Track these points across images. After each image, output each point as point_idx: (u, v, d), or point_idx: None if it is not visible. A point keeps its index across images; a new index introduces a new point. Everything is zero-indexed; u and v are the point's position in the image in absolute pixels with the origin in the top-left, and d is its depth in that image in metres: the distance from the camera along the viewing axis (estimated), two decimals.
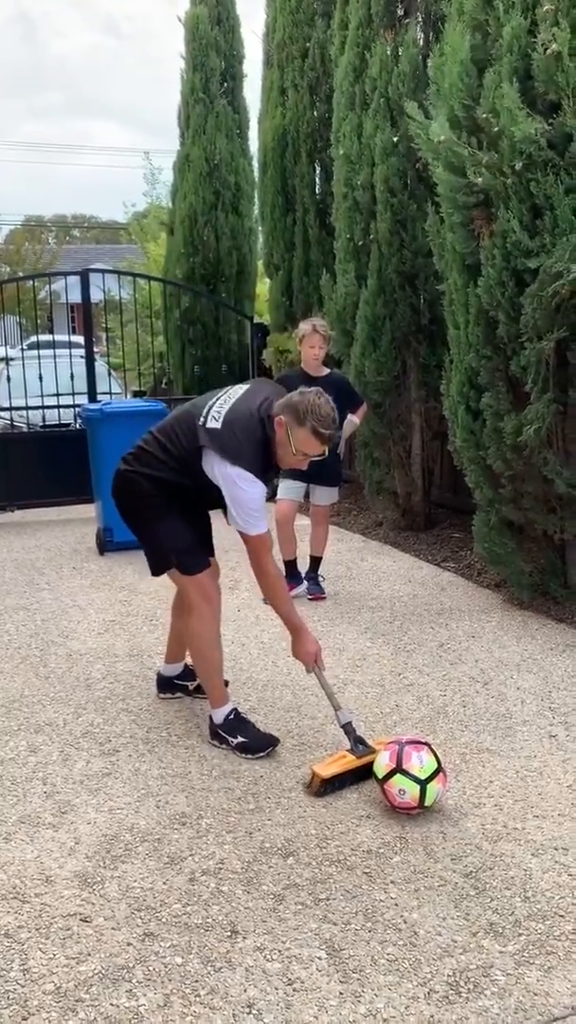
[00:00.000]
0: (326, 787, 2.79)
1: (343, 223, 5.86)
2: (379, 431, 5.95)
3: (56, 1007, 1.93)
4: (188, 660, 3.56)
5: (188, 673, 3.57)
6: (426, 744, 2.72)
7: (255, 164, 8.79)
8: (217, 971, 2.04)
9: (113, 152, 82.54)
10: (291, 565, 4.82)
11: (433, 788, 2.62)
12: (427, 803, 2.62)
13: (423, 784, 2.60)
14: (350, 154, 5.67)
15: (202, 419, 2.98)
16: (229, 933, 2.17)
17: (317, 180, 7.27)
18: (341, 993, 1.97)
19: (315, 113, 7.14)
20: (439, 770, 2.65)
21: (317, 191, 7.27)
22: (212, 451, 2.93)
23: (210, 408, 3.01)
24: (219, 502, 3.05)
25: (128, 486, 3.12)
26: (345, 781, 2.83)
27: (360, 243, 5.74)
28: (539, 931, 2.16)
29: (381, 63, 5.36)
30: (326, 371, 4.76)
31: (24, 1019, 1.90)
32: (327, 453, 3.04)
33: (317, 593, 4.84)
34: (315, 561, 4.96)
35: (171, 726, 3.32)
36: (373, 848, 2.51)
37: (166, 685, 3.60)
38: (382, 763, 2.68)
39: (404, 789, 2.61)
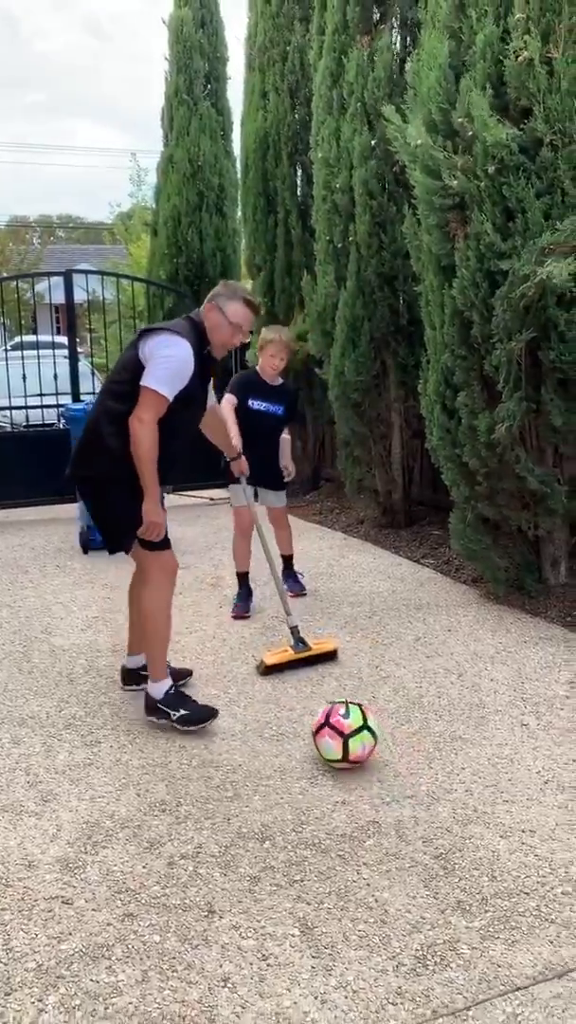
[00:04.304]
0: (270, 671, 3.71)
1: (322, 225, 5.95)
2: (359, 430, 6.04)
3: (38, 983, 2.00)
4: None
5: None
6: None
7: (239, 166, 8.86)
8: (194, 948, 2.11)
9: (99, 153, 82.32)
10: (243, 577, 4.73)
11: (368, 719, 2.92)
12: (371, 727, 2.91)
13: (361, 728, 2.88)
14: (328, 157, 5.76)
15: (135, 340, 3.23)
16: (206, 913, 2.24)
17: (298, 182, 7.35)
18: (313, 967, 2.04)
19: (296, 116, 7.22)
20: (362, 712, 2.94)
21: (298, 193, 7.35)
22: (143, 341, 3.13)
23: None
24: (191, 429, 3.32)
25: (96, 448, 3.20)
26: (283, 669, 3.74)
27: (339, 245, 5.83)
28: (504, 908, 2.24)
29: (357, 68, 5.45)
30: (280, 380, 4.74)
31: (7, 995, 1.96)
32: (252, 323, 3.34)
33: (297, 591, 4.91)
34: (287, 559, 4.97)
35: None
36: (347, 832, 2.59)
37: (131, 677, 3.66)
38: (331, 748, 2.90)
39: (364, 744, 2.88)
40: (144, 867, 2.43)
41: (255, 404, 4.57)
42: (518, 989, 1.97)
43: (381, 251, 5.56)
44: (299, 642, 3.85)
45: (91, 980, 2.01)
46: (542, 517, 4.41)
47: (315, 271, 6.25)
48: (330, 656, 3.92)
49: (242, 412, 4.48)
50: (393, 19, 5.56)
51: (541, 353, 4.02)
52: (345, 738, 2.86)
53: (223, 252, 9.53)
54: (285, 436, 4.80)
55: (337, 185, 5.74)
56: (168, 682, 3.28)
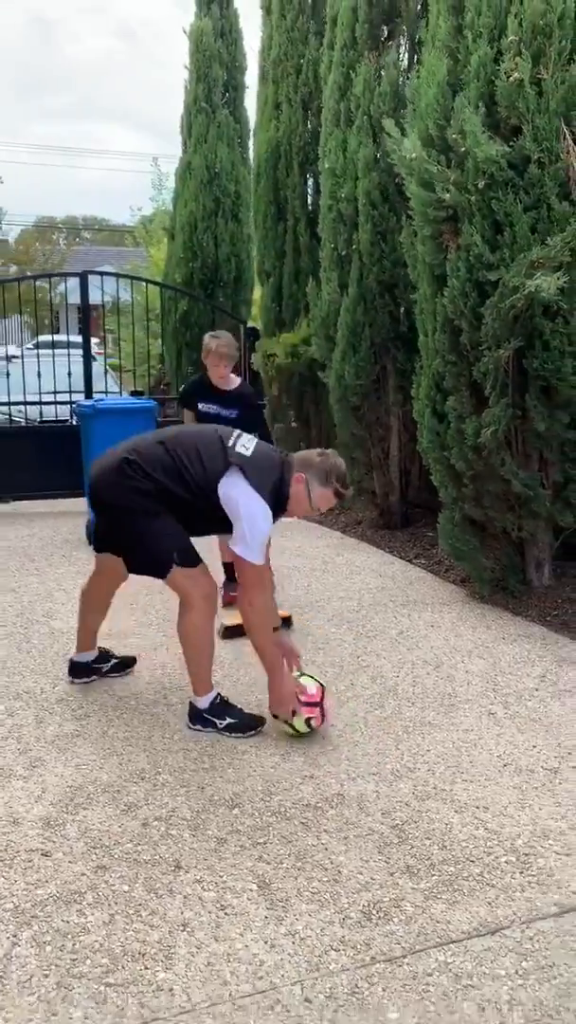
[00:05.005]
0: (230, 633, 4.08)
1: (328, 233, 6.15)
2: (358, 433, 6.22)
3: (13, 921, 2.19)
4: (101, 644, 3.79)
5: (102, 656, 3.78)
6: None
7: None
8: (159, 897, 2.29)
9: (126, 156, 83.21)
10: (228, 566, 4.68)
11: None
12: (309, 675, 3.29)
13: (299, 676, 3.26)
14: (335, 168, 5.96)
15: (231, 442, 3.18)
16: (173, 868, 2.42)
17: (308, 191, 7.55)
18: (266, 917, 2.22)
19: (307, 127, 7.43)
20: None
21: (308, 202, 7.55)
22: (240, 475, 3.07)
23: (238, 437, 3.23)
24: (208, 529, 3.29)
25: (127, 481, 3.14)
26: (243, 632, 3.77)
27: (343, 253, 6.02)
28: (450, 873, 2.41)
29: (364, 83, 5.65)
30: (236, 382, 4.82)
31: None
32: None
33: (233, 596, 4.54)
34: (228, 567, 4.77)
35: (140, 696, 3.58)
36: (312, 803, 2.76)
37: (81, 671, 3.71)
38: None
39: (307, 683, 3.20)
40: (120, 827, 2.62)
41: (203, 406, 4.70)
42: (453, 942, 2.13)
43: (382, 259, 5.74)
44: None
45: (62, 920, 2.20)
46: (526, 519, 4.56)
47: (320, 278, 6.44)
48: (285, 622, 4.13)
49: (197, 417, 4.70)
50: (400, 37, 5.75)
51: (526, 361, 4.19)
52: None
53: (237, 257, 9.77)
54: None
55: (342, 195, 5.93)
56: (214, 693, 3.27)
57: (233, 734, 3.21)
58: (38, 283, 9.72)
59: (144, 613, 4.63)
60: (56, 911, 2.23)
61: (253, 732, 3.23)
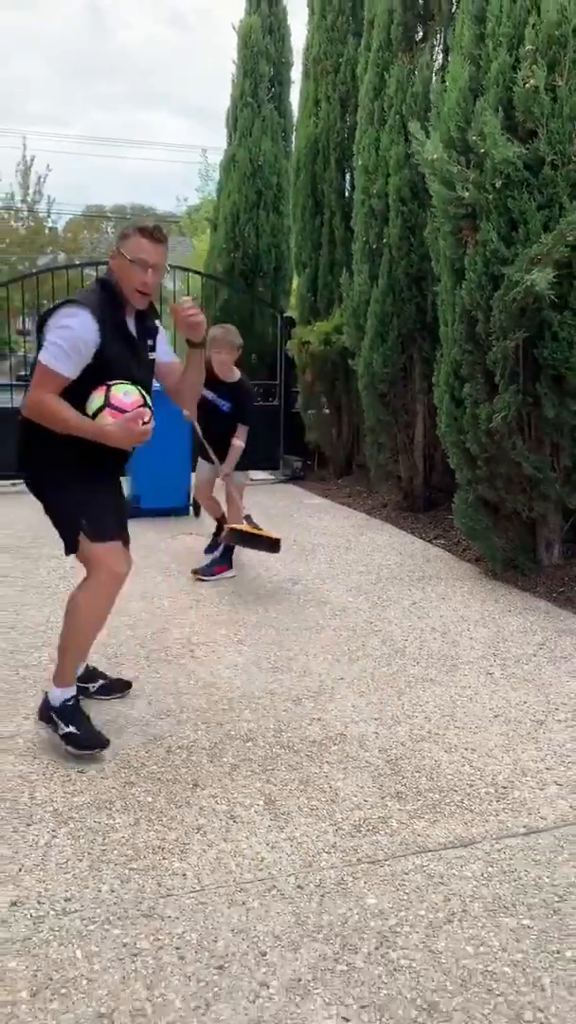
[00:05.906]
0: (234, 535, 4.88)
1: (360, 227, 6.44)
2: (384, 419, 6.52)
3: (53, 820, 2.56)
4: (90, 661, 3.43)
5: (89, 675, 3.40)
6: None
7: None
8: (177, 808, 2.65)
9: (176, 148, 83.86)
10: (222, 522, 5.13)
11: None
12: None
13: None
14: (368, 165, 6.24)
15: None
16: (191, 786, 2.77)
17: (344, 186, 7.83)
18: (269, 826, 2.56)
19: (344, 124, 7.71)
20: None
21: (344, 196, 7.84)
22: (47, 324, 2.86)
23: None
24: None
25: (27, 440, 2.95)
26: (246, 540, 4.91)
27: (374, 246, 6.31)
28: (434, 799, 2.72)
29: (397, 83, 5.92)
30: (235, 378, 5.00)
31: (28, 825, 2.53)
32: (161, 255, 2.90)
33: (202, 573, 5.01)
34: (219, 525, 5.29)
35: (168, 649, 3.94)
36: (318, 740, 3.10)
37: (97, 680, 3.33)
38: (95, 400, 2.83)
39: (128, 391, 2.83)
40: (146, 752, 2.98)
41: (204, 391, 4.76)
42: (429, 851, 2.45)
43: (410, 253, 6.02)
44: (251, 522, 5.02)
45: (94, 821, 2.56)
46: (537, 501, 4.83)
47: (353, 269, 6.73)
48: (273, 545, 4.86)
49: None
50: (434, 39, 6.01)
51: (536, 351, 4.45)
52: (108, 387, 2.83)
53: (277, 248, 10.06)
54: (237, 443, 4.98)
55: (374, 191, 6.22)
56: (71, 692, 3.03)
57: (68, 747, 2.91)
58: (85, 271, 10.09)
59: (176, 579, 4.99)
60: (89, 814, 2.60)
61: (90, 753, 2.91)
